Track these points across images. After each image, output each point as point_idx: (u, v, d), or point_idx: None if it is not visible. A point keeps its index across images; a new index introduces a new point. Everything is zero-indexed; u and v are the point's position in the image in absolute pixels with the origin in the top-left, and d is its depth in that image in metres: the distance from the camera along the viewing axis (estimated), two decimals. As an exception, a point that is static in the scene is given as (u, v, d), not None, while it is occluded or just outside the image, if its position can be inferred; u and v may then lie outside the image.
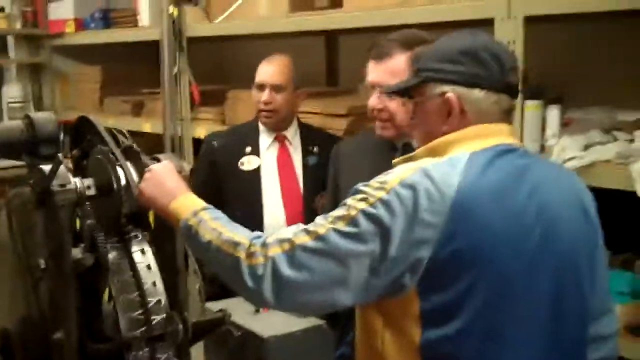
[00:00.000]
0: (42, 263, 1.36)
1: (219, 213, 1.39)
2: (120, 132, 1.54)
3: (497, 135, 1.36)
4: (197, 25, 3.36)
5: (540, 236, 1.29)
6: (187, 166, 1.55)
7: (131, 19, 4.26)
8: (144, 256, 1.39)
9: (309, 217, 1.94)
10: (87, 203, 1.39)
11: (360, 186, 1.30)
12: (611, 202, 1.98)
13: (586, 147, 2.06)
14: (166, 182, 1.42)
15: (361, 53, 2.03)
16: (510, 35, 2.08)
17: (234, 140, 2.68)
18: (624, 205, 2.09)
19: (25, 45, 5.05)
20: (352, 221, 1.25)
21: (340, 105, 2.97)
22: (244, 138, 2.65)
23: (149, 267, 1.38)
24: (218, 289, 1.44)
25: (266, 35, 3.43)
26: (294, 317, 1.56)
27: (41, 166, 1.37)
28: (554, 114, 2.20)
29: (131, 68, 4.45)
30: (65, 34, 4.80)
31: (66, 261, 1.33)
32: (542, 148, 2.19)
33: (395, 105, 1.84)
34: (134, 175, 1.44)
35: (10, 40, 5.20)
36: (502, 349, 1.27)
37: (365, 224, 1.24)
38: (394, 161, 1.41)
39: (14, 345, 1.45)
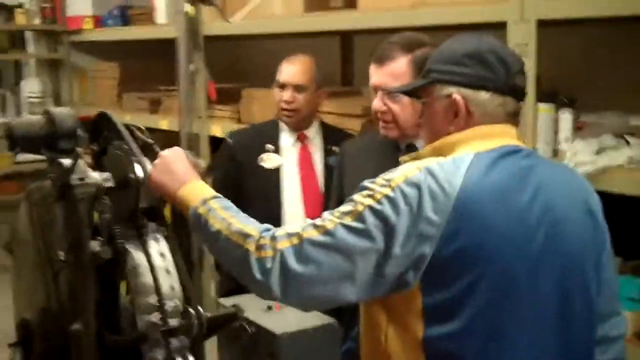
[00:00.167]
0: (61, 255, 1.39)
1: (228, 203, 1.39)
2: (139, 128, 1.57)
3: (502, 136, 1.38)
4: (213, 24, 3.40)
5: (544, 237, 1.30)
6: (203, 163, 1.58)
7: (148, 17, 4.30)
8: (159, 247, 1.41)
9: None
10: (106, 197, 1.41)
11: (367, 182, 1.32)
12: (622, 208, 1.99)
13: (598, 152, 2.07)
14: (176, 168, 1.43)
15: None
16: (523, 38, 2.09)
17: (255, 138, 2.69)
18: (635, 211, 2.09)
19: (44, 41, 5.12)
20: (359, 217, 1.27)
21: (355, 105, 2.99)
22: (265, 136, 2.67)
23: (162, 255, 1.40)
24: (235, 284, 1.46)
25: (281, 34, 3.45)
26: (306, 315, 1.57)
27: (61, 160, 1.40)
28: (566, 117, 2.21)
29: (148, 65, 4.49)
30: (84, 30, 4.85)
31: (84, 254, 1.36)
32: (555, 152, 2.20)
33: (398, 107, 1.87)
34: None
35: (29, 35, 5.27)
36: (505, 349, 1.29)
37: (371, 220, 1.26)
38: (401, 159, 1.44)
39: (33, 335, 1.48)
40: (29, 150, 1.54)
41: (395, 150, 1.94)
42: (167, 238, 1.44)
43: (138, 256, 1.39)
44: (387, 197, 1.27)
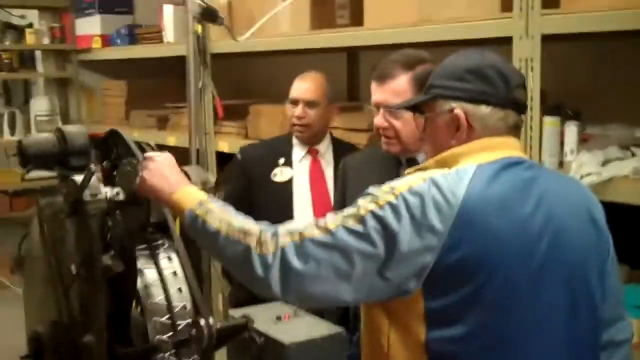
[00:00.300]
0: (73, 269, 1.41)
1: (224, 204, 1.41)
2: (148, 144, 1.60)
3: (504, 148, 1.40)
4: (220, 42, 3.44)
5: (547, 246, 1.31)
6: (212, 178, 1.60)
7: (156, 35, 4.35)
8: (170, 263, 1.43)
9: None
10: (117, 212, 1.44)
11: (372, 189, 1.35)
12: (629, 218, 2.00)
13: (604, 163, 2.08)
14: (169, 173, 1.45)
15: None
16: (528, 53, 2.11)
17: (267, 152, 2.72)
18: (641, 220, 2.10)
19: (53, 60, 5.16)
20: (361, 220, 1.29)
21: (362, 120, 3.01)
22: (277, 150, 2.70)
23: (175, 273, 1.42)
24: (246, 294, 1.47)
25: (288, 51, 3.48)
26: (315, 324, 1.58)
27: (73, 177, 1.43)
28: (572, 130, 2.22)
29: (156, 83, 4.53)
30: (92, 49, 4.90)
31: (96, 267, 1.38)
32: (561, 164, 2.22)
33: (400, 123, 1.89)
34: None
35: (38, 55, 5.32)
36: (512, 356, 1.30)
37: (372, 224, 1.28)
38: (406, 171, 1.46)
39: (45, 348, 1.49)
40: (41, 167, 1.56)
41: (396, 163, 1.97)
42: (177, 252, 1.46)
43: (150, 274, 1.41)
44: (389, 203, 1.29)
